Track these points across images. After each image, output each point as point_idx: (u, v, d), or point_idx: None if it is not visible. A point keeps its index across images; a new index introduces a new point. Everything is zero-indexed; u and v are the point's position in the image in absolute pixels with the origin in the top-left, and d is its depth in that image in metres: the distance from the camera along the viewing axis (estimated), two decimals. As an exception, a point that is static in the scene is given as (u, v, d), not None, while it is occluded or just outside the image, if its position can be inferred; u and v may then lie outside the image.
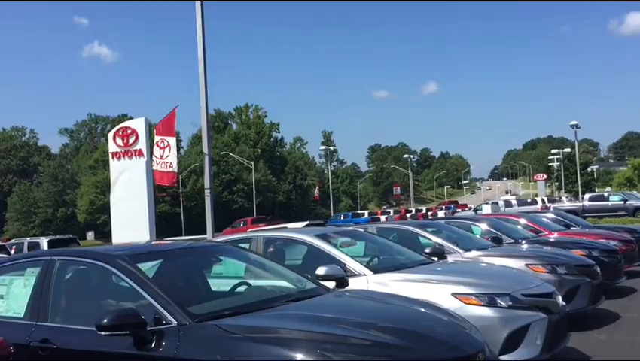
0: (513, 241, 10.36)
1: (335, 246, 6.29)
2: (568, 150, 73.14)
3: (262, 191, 79.34)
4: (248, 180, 74.50)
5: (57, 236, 28.96)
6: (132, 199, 22.65)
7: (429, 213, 57.42)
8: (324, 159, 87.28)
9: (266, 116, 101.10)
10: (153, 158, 16.00)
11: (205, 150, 13.83)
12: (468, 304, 5.26)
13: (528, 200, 50.75)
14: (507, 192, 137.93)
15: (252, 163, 71.39)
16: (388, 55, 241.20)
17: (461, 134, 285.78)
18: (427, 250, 7.35)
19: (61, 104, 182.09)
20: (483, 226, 11.25)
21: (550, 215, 15.77)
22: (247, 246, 6.50)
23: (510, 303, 5.32)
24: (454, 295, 5.31)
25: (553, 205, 38.30)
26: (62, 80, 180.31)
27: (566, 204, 42.54)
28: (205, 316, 3.56)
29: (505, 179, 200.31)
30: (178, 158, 16.32)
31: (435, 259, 7.10)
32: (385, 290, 5.51)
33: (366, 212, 65.46)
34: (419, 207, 74.48)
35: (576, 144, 55.65)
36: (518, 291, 5.47)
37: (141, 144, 23.06)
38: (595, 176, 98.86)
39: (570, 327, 6.00)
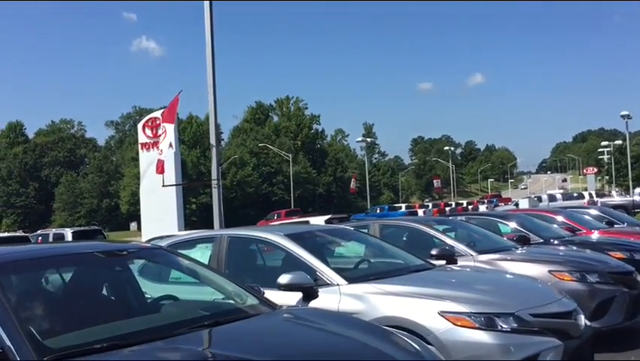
0: (542, 241, 9.15)
1: (310, 249, 5.22)
2: (619, 142, 69.86)
3: (302, 183, 78.82)
4: (288, 172, 74.02)
5: (82, 227, 28.80)
6: (161, 191, 22.16)
7: (470, 207, 55.49)
8: (364, 151, 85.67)
9: (307, 108, 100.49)
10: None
11: (212, 141, 13.30)
12: (460, 326, 4.16)
13: (575, 194, 48.47)
14: (563, 181, 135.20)
15: (290, 155, 70.80)
16: (432, 47, 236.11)
17: (507, 126, 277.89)
18: (433, 252, 6.29)
19: (109, 97, 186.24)
20: (512, 224, 10.15)
21: (593, 211, 14.51)
22: (209, 246, 5.59)
23: (515, 325, 4.22)
24: (442, 313, 4.22)
25: (601, 200, 36.35)
26: (111, 74, 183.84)
27: (616, 198, 40.51)
28: (63, 352, 2.64)
29: (550, 172, 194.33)
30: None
31: (442, 263, 6.05)
32: (359, 304, 4.52)
33: (403, 205, 63.87)
34: (460, 201, 72.46)
35: (627, 135, 52.94)
36: (526, 310, 4.34)
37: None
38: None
39: (594, 350, 4.88)
